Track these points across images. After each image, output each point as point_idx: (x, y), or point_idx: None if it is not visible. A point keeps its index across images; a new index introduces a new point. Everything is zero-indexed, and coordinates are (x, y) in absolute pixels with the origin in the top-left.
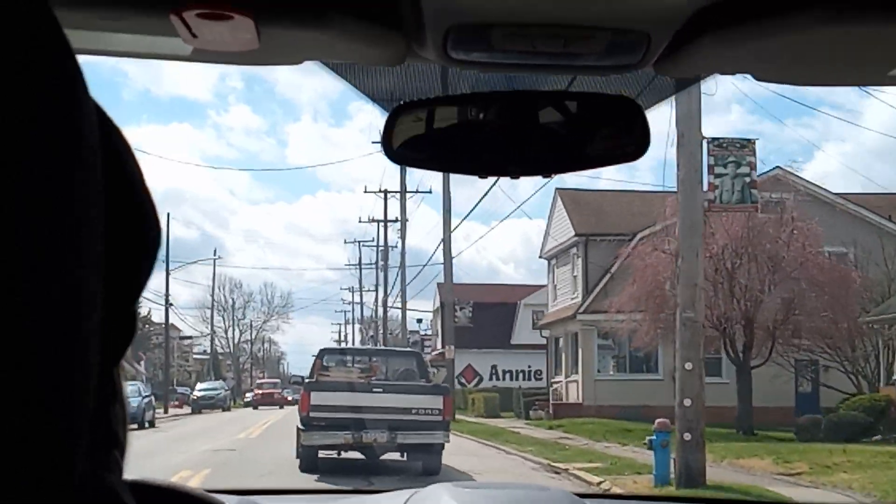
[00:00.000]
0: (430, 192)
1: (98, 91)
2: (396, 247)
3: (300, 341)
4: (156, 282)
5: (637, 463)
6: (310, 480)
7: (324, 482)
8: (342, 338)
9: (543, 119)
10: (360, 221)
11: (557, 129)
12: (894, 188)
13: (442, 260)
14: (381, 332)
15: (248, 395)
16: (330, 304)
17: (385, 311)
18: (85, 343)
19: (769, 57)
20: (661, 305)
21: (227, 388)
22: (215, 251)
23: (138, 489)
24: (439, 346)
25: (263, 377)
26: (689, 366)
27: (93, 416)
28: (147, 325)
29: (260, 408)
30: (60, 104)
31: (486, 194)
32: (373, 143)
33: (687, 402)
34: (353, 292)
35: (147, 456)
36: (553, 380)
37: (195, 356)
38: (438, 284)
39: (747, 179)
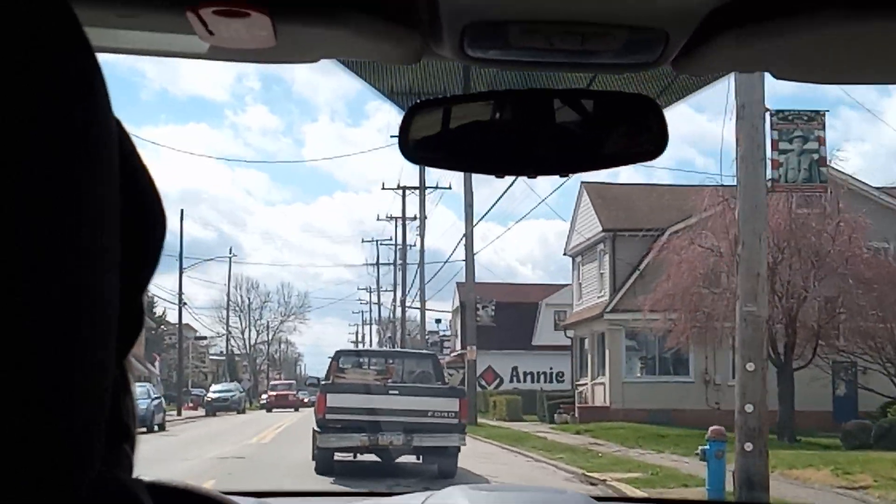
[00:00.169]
0: (450, 188)
1: (116, 90)
2: (415, 245)
3: (317, 342)
4: (171, 281)
5: (681, 474)
6: (325, 483)
7: (339, 485)
8: (359, 338)
9: (560, 118)
10: (378, 219)
11: (575, 127)
12: None
13: (460, 258)
14: (400, 332)
15: (263, 396)
16: (347, 304)
17: (403, 311)
18: (86, 343)
19: (788, 55)
20: (696, 303)
21: (242, 389)
22: (231, 249)
23: (154, 490)
24: (458, 346)
25: (280, 379)
26: (750, 366)
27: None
28: (162, 326)
29: (274, 410)
30: (79, 101)
31: (506, 191)
32: (391, 136)
33: (748, 408)
34: (370, 292)
35: (147, 464)
36: (578, 382)
37: (211, 357)
38: (458, 284)
39: (815, 156)
